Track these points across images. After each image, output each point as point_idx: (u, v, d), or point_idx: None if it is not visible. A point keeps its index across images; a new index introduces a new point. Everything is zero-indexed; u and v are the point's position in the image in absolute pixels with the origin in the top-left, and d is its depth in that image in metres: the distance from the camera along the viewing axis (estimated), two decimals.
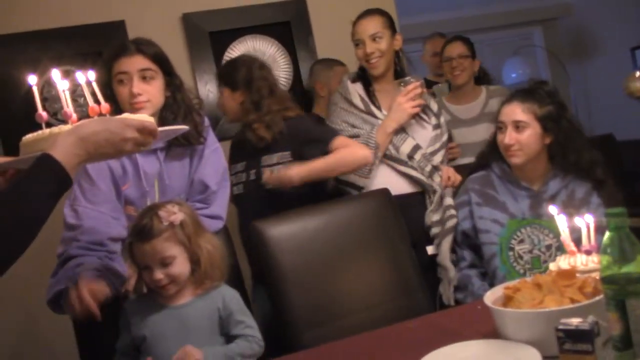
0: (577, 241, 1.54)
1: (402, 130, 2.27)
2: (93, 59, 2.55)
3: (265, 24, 3.02)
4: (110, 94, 1.77)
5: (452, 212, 2.13)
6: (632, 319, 1.00)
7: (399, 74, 2.36)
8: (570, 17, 4.53)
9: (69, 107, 1.27)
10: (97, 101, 1.30)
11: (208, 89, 2.95)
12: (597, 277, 1.27)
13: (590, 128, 3.54)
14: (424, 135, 2.32)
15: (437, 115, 2.39)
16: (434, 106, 2.41)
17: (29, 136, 1.27)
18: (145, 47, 1.81)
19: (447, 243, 2.11)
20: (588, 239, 1.49)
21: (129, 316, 1.57)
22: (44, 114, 1.28)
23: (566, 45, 4.61)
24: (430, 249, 2.21)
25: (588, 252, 1.47)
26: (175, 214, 1.54)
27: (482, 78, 3.03)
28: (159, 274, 1.51)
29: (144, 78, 1.78)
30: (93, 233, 1.70)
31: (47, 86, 2.65)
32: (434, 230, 2.19)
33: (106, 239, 1.70)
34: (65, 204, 1.76)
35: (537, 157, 1.93)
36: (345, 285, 1.84)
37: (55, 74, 1.32)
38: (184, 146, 1.86)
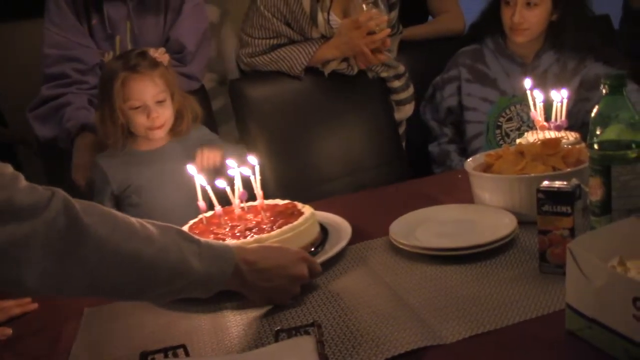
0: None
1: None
2: None
3: None
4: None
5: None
6: (614, 185, 0.99)
7: None
8: None
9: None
10: None
11: None
12: (581, 148, 1.25)
13: None
14: None
15: None
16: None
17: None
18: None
19: None
20: (560, 114, 1.44)
21: (105, 170, 1.51)
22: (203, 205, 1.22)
23: None
24: None
25: (558, 128, 1.42)
26: (162, 56, 1.48)
27: None
28: (156, 112, 1.45)
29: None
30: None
31: None
32: None
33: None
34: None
35: (539, 34, 1.85)
36: (325, 151, 1.81)
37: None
38: None
